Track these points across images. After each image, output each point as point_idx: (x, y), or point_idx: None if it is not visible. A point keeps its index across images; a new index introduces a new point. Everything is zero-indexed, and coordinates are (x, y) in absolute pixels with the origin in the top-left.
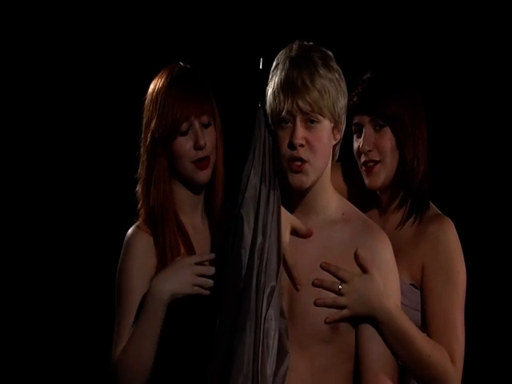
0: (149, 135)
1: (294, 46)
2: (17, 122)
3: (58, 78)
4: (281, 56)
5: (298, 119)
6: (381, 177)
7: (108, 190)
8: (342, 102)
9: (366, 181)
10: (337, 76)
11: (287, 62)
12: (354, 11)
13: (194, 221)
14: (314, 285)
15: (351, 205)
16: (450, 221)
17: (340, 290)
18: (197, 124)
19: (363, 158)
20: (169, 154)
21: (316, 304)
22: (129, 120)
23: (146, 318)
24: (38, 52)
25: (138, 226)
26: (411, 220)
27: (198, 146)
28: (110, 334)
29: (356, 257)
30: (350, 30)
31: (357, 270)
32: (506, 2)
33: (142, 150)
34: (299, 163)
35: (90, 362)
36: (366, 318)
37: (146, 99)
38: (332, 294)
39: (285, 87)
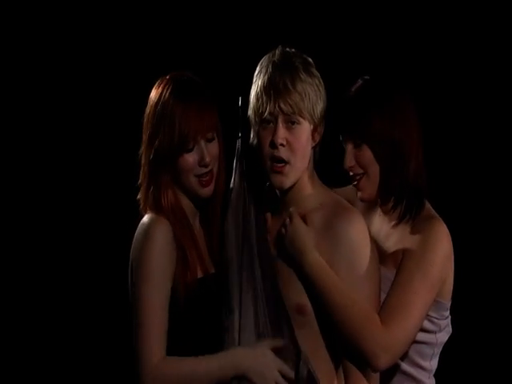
0: (153, 150)
1: (277, 52)
2: (23, 131)
3: (62, 82)
4: (264, 61)
5: (280, 120)
6: (368, 188)
7: (110, 190)
8: (321, 106)
9: (358, 195)
10: (317, 81)
11: (270, 66)
12: (340, 17)
13: (197, 228)
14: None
15: (333, 195)
16: (443, 224)
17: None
18: (202, 141)
19: (350, 174)
20: (173, 168)
21: None
22: (130, 121)
23: (217, 370)
24: (43, 63)
25: (156, 214)
26: (406, 219)
27: (203, 164)
28: (111, 334)
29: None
30: (335, 36)
31: (330, 252)
32: (499, 5)
33: (143, 160)
34: (281, 165)
35: (91, 362)
36: (298, 265)
37: (148, 108)
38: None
39: (267, 89)
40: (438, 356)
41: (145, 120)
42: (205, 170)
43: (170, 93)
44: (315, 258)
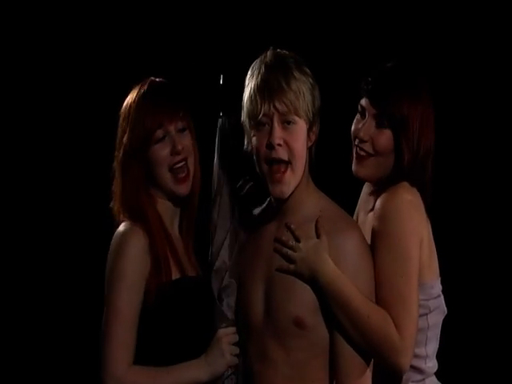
0: (121, 149)
1: (269, 53)
2: (23, 138)
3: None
4: (256, 64)
5: (276, 120)
6: (370, 170)
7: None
8: (316, 105)
9: (353, 167)
10: (310, 80)
11: (262, 67)
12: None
13: (175, 230)
14: (274, 240)
15: (331, 202)
16: (404, 193)
17: (292, 245)
18: (172, 130)
19: (356, 142)
20: (146, 165)
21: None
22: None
23: (187, 377)
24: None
25: (131, 222)
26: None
27: (175, 151)
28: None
29: (315, 223)
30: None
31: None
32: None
33: (115, 164)
34: (282, 169)
35: (86, 362)
36: (309, 279)
37: (120, 116)
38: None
39: (261, 90)
40: (434, 339)
41: (117, 128)
42: (178, 159)
43: (136, 94)
44: (333, 268)
